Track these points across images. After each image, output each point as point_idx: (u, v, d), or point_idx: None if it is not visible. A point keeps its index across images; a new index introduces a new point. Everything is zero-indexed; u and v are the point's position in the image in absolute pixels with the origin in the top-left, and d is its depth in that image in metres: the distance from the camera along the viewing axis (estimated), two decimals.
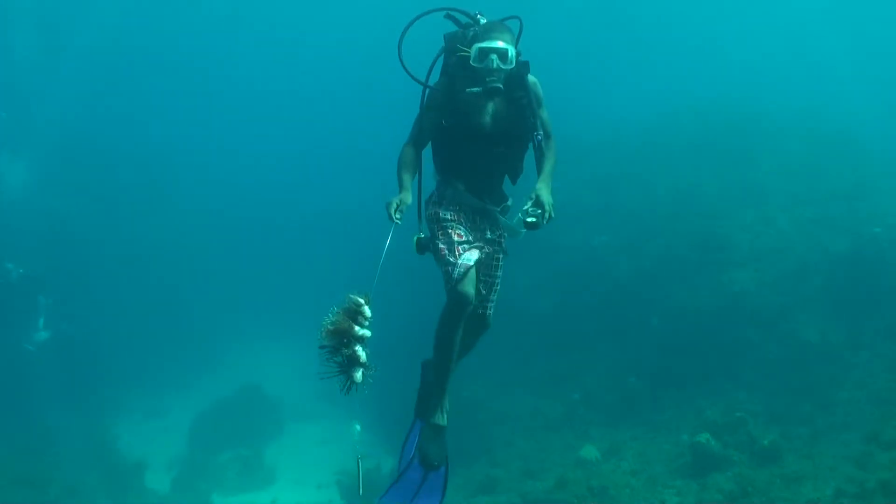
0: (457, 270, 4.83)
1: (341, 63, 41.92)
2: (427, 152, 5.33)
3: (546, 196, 4.81)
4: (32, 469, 15.25)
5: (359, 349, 3.93)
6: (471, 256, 4.91)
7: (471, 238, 5.09)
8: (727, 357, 13.28)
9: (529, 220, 4.74)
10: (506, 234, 5.40)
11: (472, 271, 4.87)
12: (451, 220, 5.12)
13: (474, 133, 5.11)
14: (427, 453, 5.06)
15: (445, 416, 5.16)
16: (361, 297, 4.01)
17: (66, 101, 32.04)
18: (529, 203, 4.79)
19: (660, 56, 30.61)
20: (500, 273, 5.35)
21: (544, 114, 5.24)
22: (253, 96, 42.22)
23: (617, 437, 12.67)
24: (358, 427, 4.57)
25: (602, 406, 13.78)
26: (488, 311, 5.31)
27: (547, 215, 4.73)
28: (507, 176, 5.39)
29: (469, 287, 4.84)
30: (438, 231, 5.10)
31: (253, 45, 41.99)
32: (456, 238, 5.00)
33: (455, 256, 4.89)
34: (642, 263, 15.79)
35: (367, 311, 3.98)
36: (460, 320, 4.94)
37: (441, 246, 5.00)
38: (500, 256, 5.37)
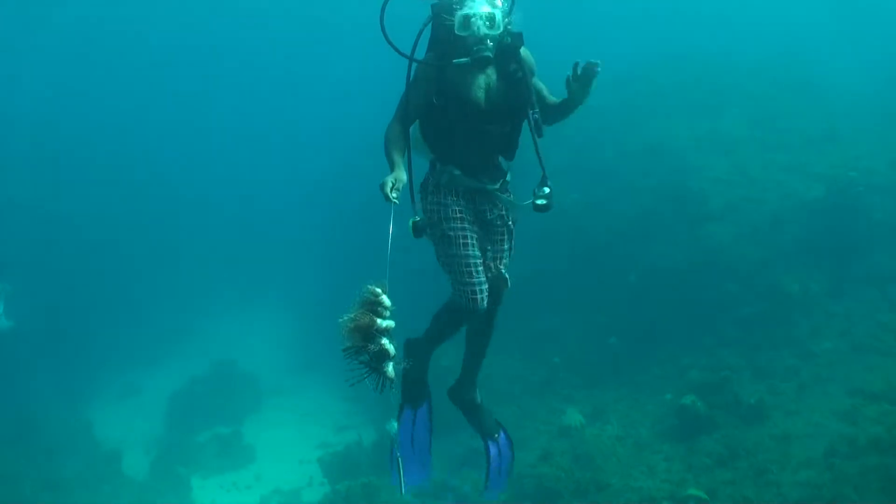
0: (471, 296, 4.79)
1: (312, 43, 41.22)
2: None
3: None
4: (4, 462, 14.96)
5: (385, 342, 3.58)
6: (482, 276, 4.87)
7: (476, 243, 4.94)
8: (707, 312, 13.14)
9: (539, 202, 4.80)
10: (507, 208, 5.18)
11: (484, 287, 4.83)
12: (456, 223, 4.92)
13: (467, 109, 4.83)
14: (487, 428, 5.47)
15: (477, 392, 5.51)
16: (378, 287, 3.68)
17: (31, 86, 31.57)
18: (539, 185, 4.82)
19: (625, 9, 30.22)
20: (507, 246, 5.20)
21: (536, 82, 4.97)
22: (215, 76, 41.53)
23: (600, 399, 12.53)
24: (395, 424, 4.31)
25: (583, 368, 13.62)
26: (507, 284, 5.17)
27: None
28: (502, 153, 5.13)
29: (481, 305, 4.81)
30: (446, 234, 4.91)
31: (225, 28, 41.03)
32: (466, 252, 4.85)
33: (468, 276, 4.81)
34: (616, 221, 15.58)
35: (387, 300, 3.64)
36: (466, 323, 5.05)
37: (451, 259, 4.87)
38: (505, 231, 5.19)
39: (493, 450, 5.47)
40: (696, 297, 13.42)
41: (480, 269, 4.85)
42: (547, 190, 4.86)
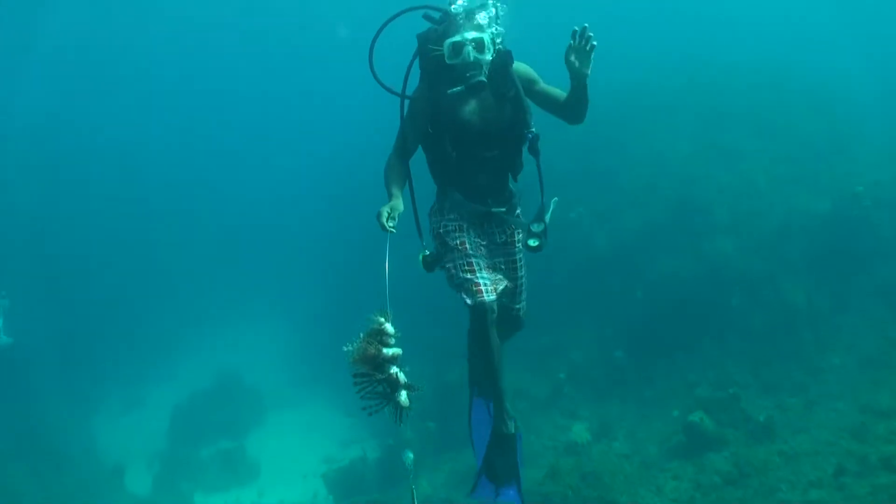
0: (473, 288, 4.65)
1: (316, 56, 41.11)
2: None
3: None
4: (6, 476, 14.89)
5: (394, 370, 3.57)
6: (484, 273, 4.76)
7: (479, 252, 4.89)
8: (714, 326, 13.04)
9: (531, 242, 4.86)
10: (518, 230, 5.13)
11: (488, 283, 4.71)
12: (456, 233, 4.89)
13: (464, 136, 4.81)
14: (495, 469, 4.86)
15: (511, 422, 4.92)
16: (381, 316, 3.65)
17: (31, 96, 31.52)
18: (533, 220, 4.87)
19: (628, 16, 30.14)
20: (522, 272, 5.15)
21: (544, 86, 4.92)
22: (215, 85, 41.39)
23: (606, 415, 12.45)
24: (411, 455, 4.23)
25: (589, 383, 13.52)
26: (521, 314, 5.18)
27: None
28: (505, 175, 5.08)
29: (487, 297, 4.64)
30: (445, 249, 4.88)
31: (225, 38, 40.91)
32: (465, 253, 4.80)
33: (468, 273, 4.71)
34: (622, 233, 15.47)
35: (390, 328, 3.63)
36: (488, 331, 4.71)
37: (451, 265, 4.80)
38: (519, 256, 5.14)
39: (484, 490, 4.90)
40: (702, 310, 13.30)
41: (482, 268, 4.78)
42: (542, 226, 4.86)
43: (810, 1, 28.37)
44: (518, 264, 5.12)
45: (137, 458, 17.07)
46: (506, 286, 4.95)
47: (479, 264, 4.77)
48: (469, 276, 4.70)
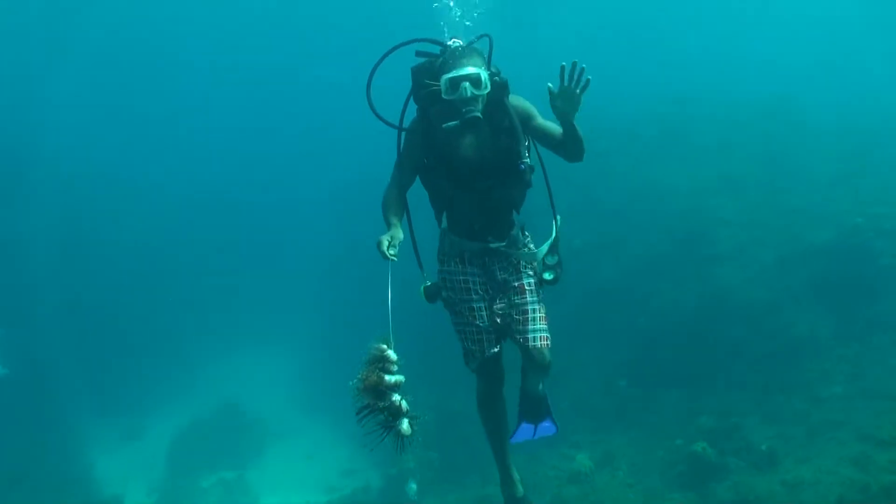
0: (477, 358, 4.85)
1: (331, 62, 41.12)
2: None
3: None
4: None
5: (397, 398, 3.59)
6: (492, 338, 4.88)
7: (483, 304, 4.93)
8: (716, 355, 13.04)
9: (547, 276, 4.95)
10: (524, 262, 5.08)
11: (492, 350, 4.86)
12: (465, 294, 4.94)
13: (459, 169, 4.78)
14: None
15: (520, 485, 5.20)
16: (383, 343, 3.70)
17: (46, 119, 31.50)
18: (547, 247, 4.96)
19: (632, 47, 30.37)
20: (532, 298, 4.98)
21: (541, 122, 4.83)
22: (238, 92, 41.21)
23: (609, 444, 12.42)
24: (414, 486, 4.29)
25: (592, 412, 13.48)
26: (537, 344, 4.93)
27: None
28: (505, 208, 5.04)
29: (490, 367, 4.85)
30: (453, 301, 4.97)
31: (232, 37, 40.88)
32: (472, 322, 4.89)
33: (474, 342, 4.86)
34: (625, 262, 15.56)
35: (392, 354, 3.67)
36: (491, 395, 4.97)
37: (460, 329, 4.93)
38: (527, 282, 5.02)
39: None
40: (704, 339, 13.34)
41: (491, 335, 4.87)
42: (556, 258, 4.94)
43: (813, 35, 28.62)
44: (527, 289, 4.99)
45: (136, 486, 16.98)
46: (514, 322, 4.97)
47: (488, 330, 4.87)
48: (475, 345, 4.84)
